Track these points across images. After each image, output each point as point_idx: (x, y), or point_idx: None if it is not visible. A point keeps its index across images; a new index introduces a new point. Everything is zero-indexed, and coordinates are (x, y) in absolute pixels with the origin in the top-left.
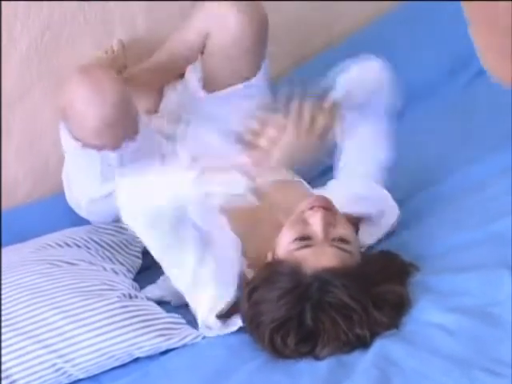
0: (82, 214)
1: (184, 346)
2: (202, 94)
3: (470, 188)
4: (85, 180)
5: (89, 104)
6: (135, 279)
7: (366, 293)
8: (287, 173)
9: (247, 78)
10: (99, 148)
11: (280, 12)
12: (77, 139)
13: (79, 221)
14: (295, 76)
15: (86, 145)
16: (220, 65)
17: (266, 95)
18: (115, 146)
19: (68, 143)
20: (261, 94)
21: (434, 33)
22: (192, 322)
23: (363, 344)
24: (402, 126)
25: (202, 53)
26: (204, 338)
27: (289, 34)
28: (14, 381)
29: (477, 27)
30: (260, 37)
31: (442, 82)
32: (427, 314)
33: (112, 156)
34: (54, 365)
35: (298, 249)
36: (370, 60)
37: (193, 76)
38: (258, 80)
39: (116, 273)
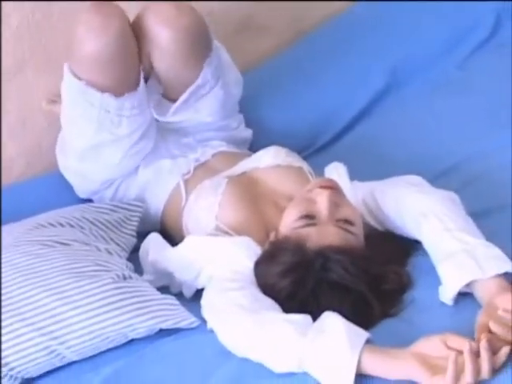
0: (70, 177)
1: (180, 330)
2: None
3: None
4: (79, 128)
5: (90, 30)
6: (130, 259)
7: (368, 272)
8: (289, 157)
9: (193, 81)
10: (101, 88)
11: None
12: (80, 78)
13: (73, 200)
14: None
15: (89, 83)
16: (169, 75)
17: (220, 87)
18: (116, 91)
19: (70, 86)
20: (212, 89)
21: (432, 7)
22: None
23: (365, 323)
24: (400, 99)
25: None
26: (199, 324)
27: (286, 6)
28: (8, 363)
29: None
30: (196, 42)
31: (442, 55)
32: (427, 294)
33: (112, 103)
34: (47, 347)
35: (302, 226)
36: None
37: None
38: (205, 77)
39: (110, 253)
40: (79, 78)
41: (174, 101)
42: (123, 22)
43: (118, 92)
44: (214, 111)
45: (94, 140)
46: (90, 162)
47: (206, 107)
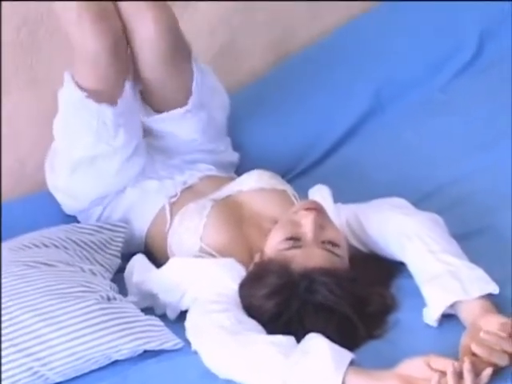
0: (59, 196)
1: (163, 352)
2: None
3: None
4: (76, 139)
5: (95, 28)
6: (114, 279)
7: (353, 294)
8: (272, 180)
9: (181, 102)
10: (99, 98)
11: (258, 10)
12: (82, 88)
13: (58, 220)
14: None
15: (89, 95)
16: (148, 70)
17: (205, 112)
18: (111, 98)
19: (70, 96)
20: (197, 114)
21: (415, 30)
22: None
23: (350, 344)
24: (384, 122)
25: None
26: (183, 345)
27: (269, 28)
28: None
29: None
30: (172, 40)
31: (425, 78)
32: (411, 316)
33: (109, 113)
34: (30, 368)
35: (288, 249)
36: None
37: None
38: (193, 104)
39: (94, 274)
40: (81, 88)
41: (154, 107)
42: (121, 30)
43: (112, 99)
44: (194, 132)
45: (91, 151)
46: (83, 175)
47: (187, 127)
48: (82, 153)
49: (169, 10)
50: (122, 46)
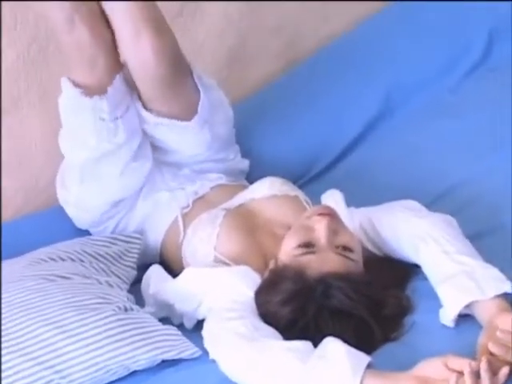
0: (70, 210)
1: (182, 361)
2: (144, 113)
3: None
4: (79, 144)
5: (91, 35)
6: (130, 291)
7: (369, 298)
8: (284, 187)
9: (183, 117)
10: (91, 92)
11: (267, 14)
12: (78, 85)
13: (72, 234)
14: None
15: (83, 91)
16: (146, 90)
17: (208, 129)
18: (100, 89)
19: (67, 97)
20: (200, 133)
21: (423, 32)
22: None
23: (367, 348)
24: (394, 125)
25: None
26: (201, 354)
27: (276, 36)
28: None
29: None
30: (171, 66)
31: (435, 80)
32: (427, 318)
33: (103, 106)
34: (50, 381)
35: (302, 254)
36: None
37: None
38: (197, 122)
39: (111, 285)
40: (76, 85)
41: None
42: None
43: (102, 90)
44: (199, 147)
45: (94, 153)
46: (90, 182)
47: (191, 142)
48: (87, 155)
49: (169, 33)
50: (115, 50)
